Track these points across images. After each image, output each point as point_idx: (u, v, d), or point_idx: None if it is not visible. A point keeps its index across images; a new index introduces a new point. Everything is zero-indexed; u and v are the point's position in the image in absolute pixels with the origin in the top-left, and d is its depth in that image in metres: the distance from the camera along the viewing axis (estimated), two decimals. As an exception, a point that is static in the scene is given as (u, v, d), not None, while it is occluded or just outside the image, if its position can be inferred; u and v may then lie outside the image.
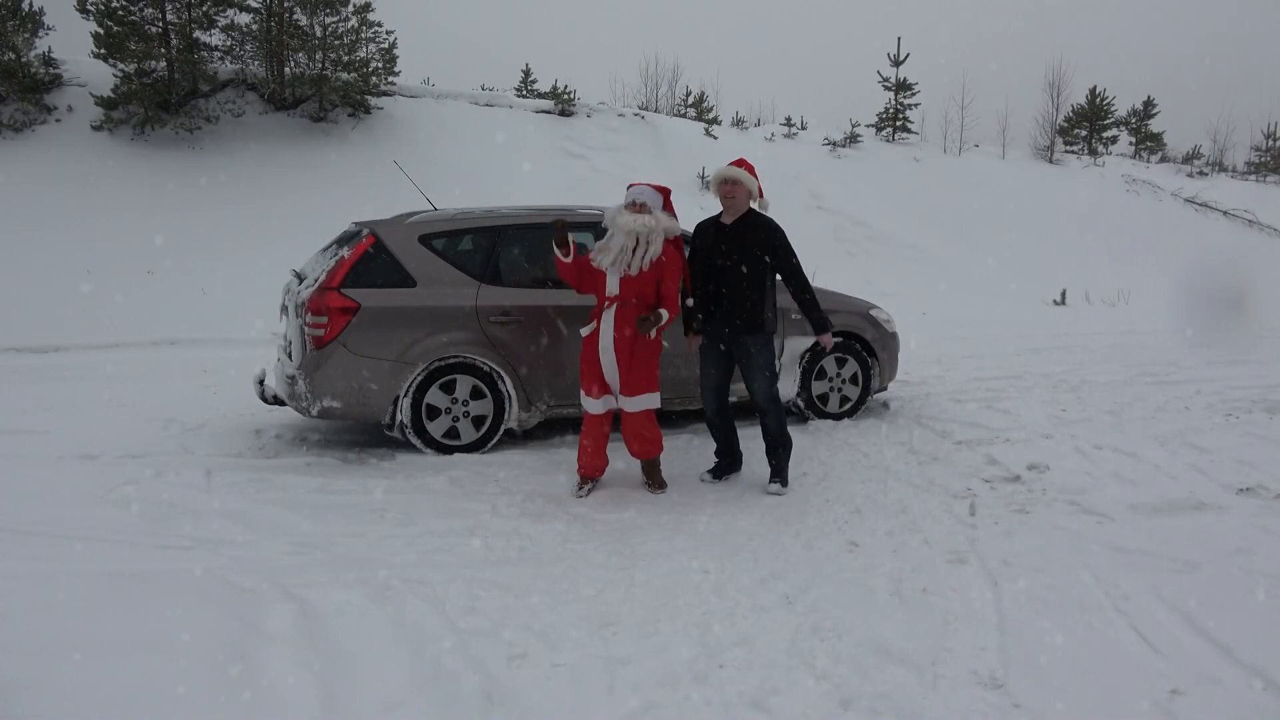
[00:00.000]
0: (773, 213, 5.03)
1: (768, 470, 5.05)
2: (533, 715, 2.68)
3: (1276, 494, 4.71)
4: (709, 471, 5.20)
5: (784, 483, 4.96)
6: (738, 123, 22.92)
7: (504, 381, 5.62)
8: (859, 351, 6.56)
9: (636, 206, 4.79)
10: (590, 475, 4.92)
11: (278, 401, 5.92)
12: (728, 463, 5.21)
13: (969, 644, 3.11)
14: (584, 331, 4.92)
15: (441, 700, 2.73)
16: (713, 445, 5.30)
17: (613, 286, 4.78)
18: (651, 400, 4.91)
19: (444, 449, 5.55)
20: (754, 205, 4.97)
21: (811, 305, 4.92)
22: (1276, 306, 12.06)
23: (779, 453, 5.00)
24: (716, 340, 5.01)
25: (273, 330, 9.16)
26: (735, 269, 4.84)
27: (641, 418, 4.88)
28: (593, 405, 4.87)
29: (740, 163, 4.98)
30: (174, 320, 10.60)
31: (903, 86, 22.76)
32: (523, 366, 5.65)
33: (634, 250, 4.70)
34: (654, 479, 5.04)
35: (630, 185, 4.95)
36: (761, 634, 3.17)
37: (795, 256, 4.89)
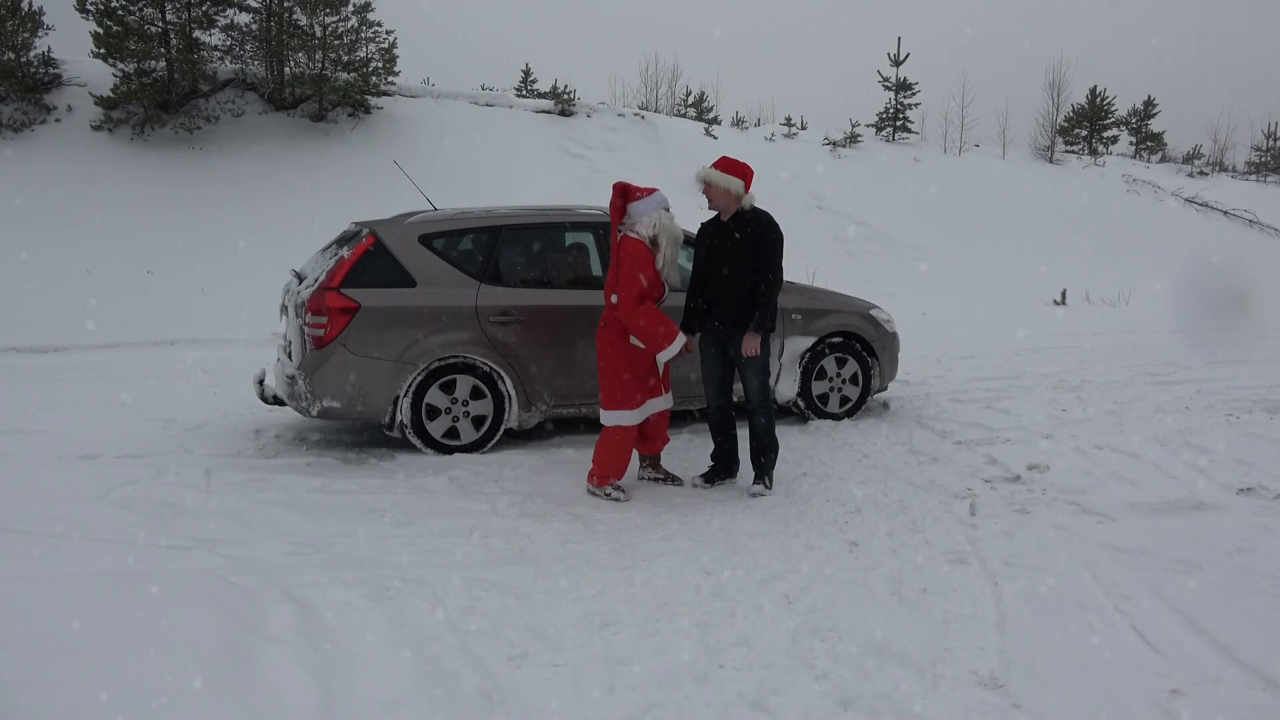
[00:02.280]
0: (773, 212, 5.00)
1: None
2: (533, 715, 2.68)
3: (1276, 494, 4.71)
4: (701, 476, 5.17)
5: (767, 485, 4.93)
6: (738, 123, 22.93)
7: (504, 381, 5.62)
8: (859, 351, 6.55)
9: (669, 211, 4.86)
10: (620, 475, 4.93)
11: (278, 401, 5.92)
12: (722, 467, 5.17)
13: (969, 644, 3.11)
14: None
15: (441, 700, 2.73)
16: (710, 446, 5.28)
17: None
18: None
19: (444, 449, 5.55)
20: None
21: (765, 304, 4.79)
22: (1276, 306, 12.06)
23: (766, 456, 4.97)
24: (716, 337, 5.00)
25: (273, 330, 9.16)
26: (730, 266, 4.84)
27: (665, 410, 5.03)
28: (651, 407, 4.89)
29: (719, 162, 4.90)
30: (174, 320, 10.61)
31: (903, 86, 22.77)
32: (522, 366, 5.65)
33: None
34: (666, 471, 5.16)
35: (651, 190, 4.87)
36: (761, 634, 3.17)
37: (778, 255, 4.84)
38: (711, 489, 5.06)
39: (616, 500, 4.75)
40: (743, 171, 4.87)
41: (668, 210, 4.84)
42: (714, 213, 5.01)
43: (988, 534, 4.19)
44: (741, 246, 4.82)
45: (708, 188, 4.87)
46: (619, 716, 2.68)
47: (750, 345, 4.79)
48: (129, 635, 2.93)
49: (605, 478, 4.83)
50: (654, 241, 4.77)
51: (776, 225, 4.88)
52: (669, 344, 4.70)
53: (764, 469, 4.96)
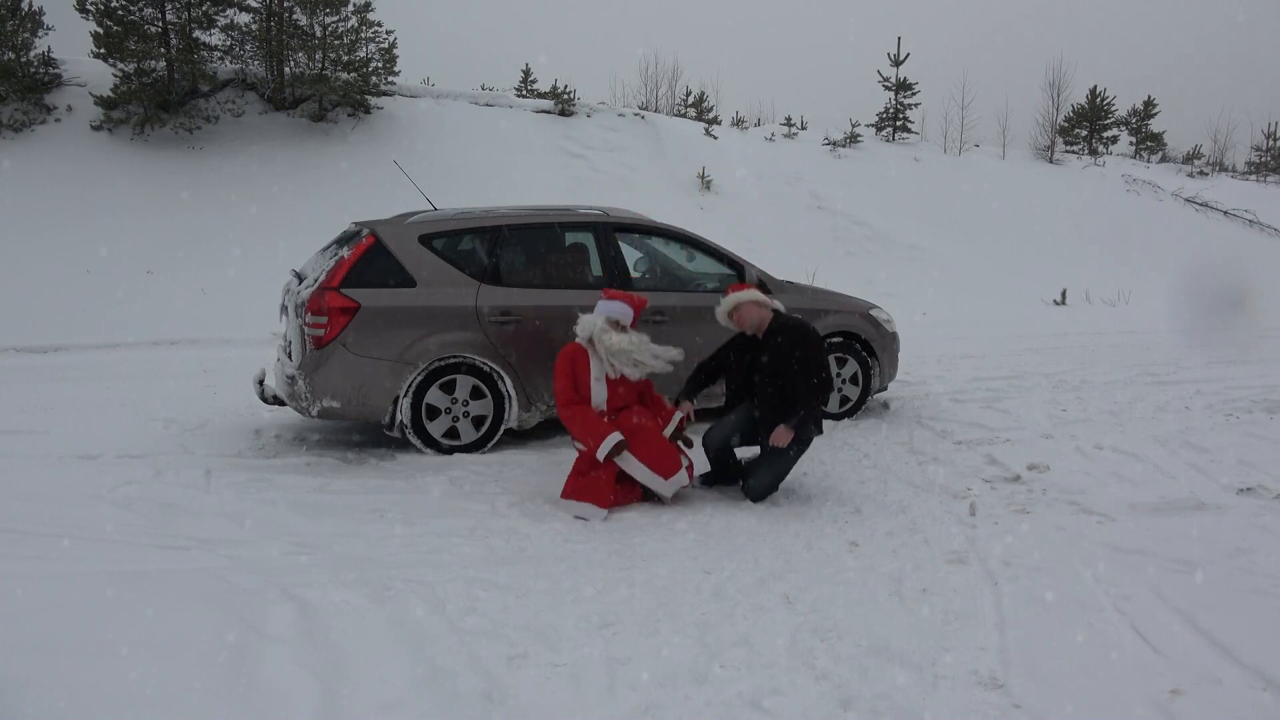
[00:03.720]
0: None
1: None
2: (533, 715, 2.68)
3: (1276, 494, 4.71)
4: (700, 478, 5.05)
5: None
6: (738, 123, 22.93)
7: (504, 381, 5.62)
8: (859, 351, 6.55)
9: (619, 326, 4.76)
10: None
11: (278, 401, 5.92)
12: (719, 471, 5.05)
13: (969, 644, 3.11)
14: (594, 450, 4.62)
15: (441, 700, 2.73)
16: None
17: (599, 397, 4.72)
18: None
19: (444, 449, 5.54)
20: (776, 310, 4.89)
21: (809, 407, 4.62)
22: (1276, 306, 12.06)
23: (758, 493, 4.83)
24: (755, 418, 4.84)
25: (273, 330, 9.16)
26: (768, 376, 4.73)
27: None
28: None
29: (738, 292, 4.88)
30: (174, 320, 10.60)
31: (903, 86, 22.76)
32: (522, 366, 5.65)
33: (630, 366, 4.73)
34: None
35: (612, 298, 4.84)
36: (761, 634, 3.17)
37: (822, 360, 4.71)
38: (711, 490, 5.06)
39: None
40: (767, 297, 4.89)
41: (612, 321, 4.73)
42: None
43: (988, 534, 4.19)
44: (778, 357, 4.72)
45: (737, 313, 4.81)
46: (619, 716, 2.68)
47: (780, 437, 4.62)
48: (129, 635, 2.93)
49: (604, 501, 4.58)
50: (590, 342, 4.74)
51: (814, 332, 4.77)
52: (599, 444, 4.55)
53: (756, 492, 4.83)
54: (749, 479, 4.82)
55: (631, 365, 4.71)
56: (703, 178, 17.24)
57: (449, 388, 5.56)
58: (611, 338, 4.68)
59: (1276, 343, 10.49)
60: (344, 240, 5.85)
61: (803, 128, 22.70)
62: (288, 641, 3.01)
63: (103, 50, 14.46)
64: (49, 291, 11.01)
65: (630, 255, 6.34)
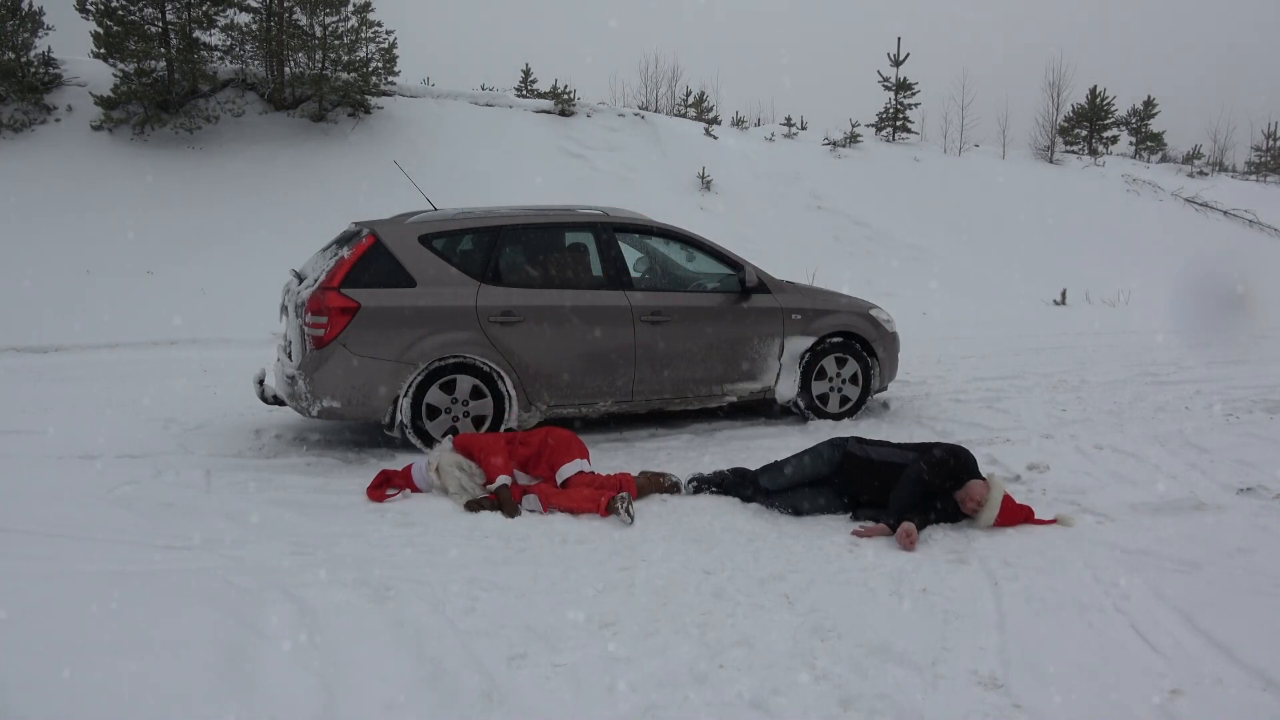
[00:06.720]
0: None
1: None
2: (533, 715, 2.68)
3: (1276, 494, 4.71)
4: (710, 485, 4.84)
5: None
6: (738, 123, 22.93)
7: (504, 381, 5.62)
8: (859, 351, 6.55)
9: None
10: None
11: (278, 401, 5.92)
12: (735, 484, 4.79)
13: (969, 644, 3.11)
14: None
15: (441, 700, 2.73)
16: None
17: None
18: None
19: (444, 449, 5.53)
20: None
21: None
22: (1276, 306, 12.07)
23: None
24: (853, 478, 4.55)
25: (273, 330, 9.16)
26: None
27: None
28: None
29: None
30: (174, 320, 10.60)
31: (903, 86, 22.77)
32: (522, 366, 5.65)
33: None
34: (661, 485, 4.86)
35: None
36: (761, 634, 3.17)
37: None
38: (711, 494, 5.03)
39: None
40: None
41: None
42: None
43: (987, 534, 4.19)
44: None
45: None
46: (619, 716, 2.68)
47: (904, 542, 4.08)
48: (129, 635, 2.93)
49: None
50: (439, 471, 4.71)
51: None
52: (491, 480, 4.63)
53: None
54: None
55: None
56: (703, 178, 17.23)
57: (449, 388, 5.56)
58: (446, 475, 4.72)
59: (1276, 343, 10.49)
60: (344, 240, 5.85)
61: (803, 128, 22.71)
62: (288, 641, 3.01)
63: (103, 50, 14.46)
64: (49, 291, 11.00)
65: (630, 255, 6.35)
